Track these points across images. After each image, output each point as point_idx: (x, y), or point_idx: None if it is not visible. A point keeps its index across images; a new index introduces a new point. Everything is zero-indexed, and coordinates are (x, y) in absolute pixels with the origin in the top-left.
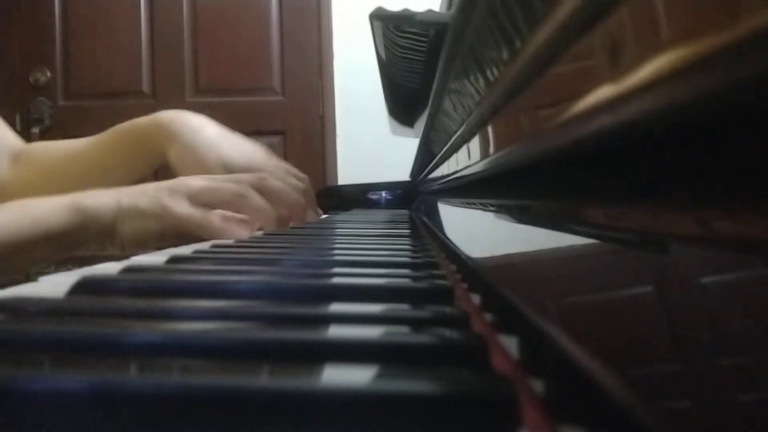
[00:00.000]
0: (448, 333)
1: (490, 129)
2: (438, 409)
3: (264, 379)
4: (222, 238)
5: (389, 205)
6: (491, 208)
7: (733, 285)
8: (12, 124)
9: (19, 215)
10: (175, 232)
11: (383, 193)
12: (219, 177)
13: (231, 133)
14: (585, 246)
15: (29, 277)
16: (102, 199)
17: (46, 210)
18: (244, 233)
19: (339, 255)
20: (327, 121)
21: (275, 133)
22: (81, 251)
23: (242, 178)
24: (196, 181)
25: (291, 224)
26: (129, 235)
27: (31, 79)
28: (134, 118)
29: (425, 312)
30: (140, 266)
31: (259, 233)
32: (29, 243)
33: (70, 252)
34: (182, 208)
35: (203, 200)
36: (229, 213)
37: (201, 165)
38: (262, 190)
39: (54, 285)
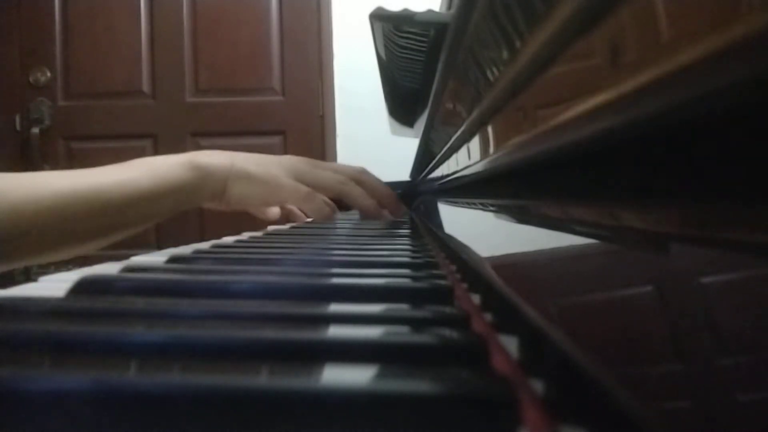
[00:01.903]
0: (448, 333)
1: (490, 129)
2: (438, 409)
3: (264, 379)
4: (320, 218)
5: None
6: (491, 208)
7: (733, 285)
8: (12, 124)
9: (144, 170)
10: (278, 201)
11: None
12: (322, 164)
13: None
14: (585, 246)
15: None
16: (216, 159)
17: (167, 166)
18: (332, 218)
19: (339, 255)
20: (327, 121)
21: (275, 133)
22: (194, 206)
23: (342, 169)
24: (301, 162)
25: (386, 215)
26: (237, 196)
27: (31, 79)
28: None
29: (425, 312)
30: (140, 266)
31: (259, 234)
32: (155, 195)
33: (186, 206)
34: (288, 181)
35: (305, 180)
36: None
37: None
38: (359, 182)
39: (54, 285)
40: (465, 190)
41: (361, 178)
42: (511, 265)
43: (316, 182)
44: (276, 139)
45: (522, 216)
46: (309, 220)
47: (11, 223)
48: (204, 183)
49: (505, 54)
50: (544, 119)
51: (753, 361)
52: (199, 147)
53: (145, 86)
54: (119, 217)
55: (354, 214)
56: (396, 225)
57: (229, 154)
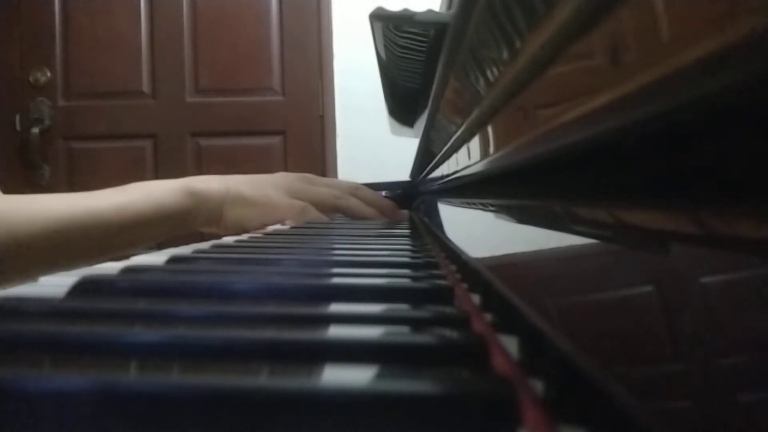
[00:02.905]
0: (448, 333)
1: (490, 129)
2: (438, 409)
3: (264, 379)
4: None
5: None
6: (491, 208)
7: (733, 285)
8: (12, 124)
9: (141, 195)
10: (275, 221)
11: (383, 193)
12: (318, 179)
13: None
14: (585, 246)
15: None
16: (212, 184)
17: (162, 191)
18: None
19: (339, 255)
20: (327, 121)
21: (275, 133)
22: (189, 231)
23: (338, 184)
24: (296, 180)
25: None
26: (234, 219)
27: (31, 79)
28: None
29: (425, 312)
30: (140, 266)
31: (259, 234)
32: (150, 220)
33: (180, 231)
34: (284, 199)
35: (301, 197)
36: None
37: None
38: (356, 196)
39: (54, 285)
40: (465, 190)
41: (356, 193)
42: (511, 265)
43: (313, 198)
44: (276, 139)
45: (522, 216)
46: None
47: (6, 244)
48: (199, 209)
49: (504, 54)
50: (543, 119)
51: (753, 361)
52: (199, 147)
53: (145, 86)
54: (113, 240)
55: None
56: (396, 225)
57: (223, 179)
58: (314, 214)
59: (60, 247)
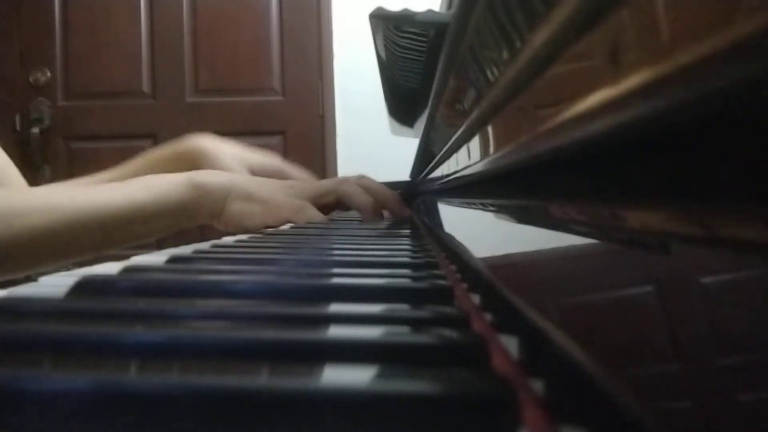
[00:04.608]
0: (448, 333)
1: (490, 129)
2: (438, 409)
3: (264, 379)
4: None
5: None
6: (491, 208)
7: (733, 285)
8: (12, 124)
9: (143, 189)
10: (277, 221)
11: None
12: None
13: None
14: (585, 246)
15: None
16: (216, 178)
17: (165, 185)
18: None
19: (339, 255)
20: (327, 121)
21: (275, 133)
22: (192, 225)
23: (340, 178)
24: (303, 184)
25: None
26: (235, 215)
27: (31, 79)
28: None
29: (425, 312)
30: (140, 266)
31: (260, 234)
32: (152, 215)
33: (184, 224)
34: (287, 198)
35: (302, 195)
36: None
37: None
38: (359, 184)
39: (54, 285)
40: (465, 190)
41: (360, 181)
42: (511, 265)
43: (314, 191)
44: (276, 139)
45: (522, 216)
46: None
47: (6, 236)
48: (203, 202)
49: (504, 54)
50: (544, 119)
51: (753, 361)
52: None
53: (145, 86)
54: (116, 234)
55: (354, 215)
56: (396, 225)
57: (230, 175)
58: (312, 213)
59: (61, 240)
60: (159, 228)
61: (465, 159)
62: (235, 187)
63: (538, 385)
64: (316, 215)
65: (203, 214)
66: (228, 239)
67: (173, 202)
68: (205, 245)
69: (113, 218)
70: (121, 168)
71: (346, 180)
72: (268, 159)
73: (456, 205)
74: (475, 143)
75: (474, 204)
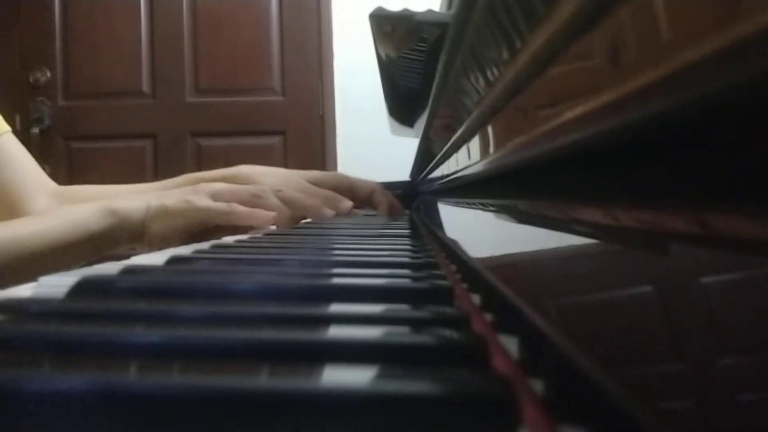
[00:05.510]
0: (448, 333)
1: (490, 129)
2: (438, 409)
3: (264, 379)
4: (245, 224)
5: None
6: (491, 208)
7: (733, 285)
8: (12, 124)
9: (62, 219)
10: (201, 226)
11: None
12: (270, 173)
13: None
14: (585, 246)
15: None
16: (132, 203)
17: (84, 214)
18: (264, 219)
19: (339, 255)
20: (327, 121)
21: (275, 133)
22: (113, 251)
23: (262, 186)
24: (217, 183)
25: (329, 213)
26: (158, 234)
27: (31, 79)
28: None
29: (425, 312)
30: (140, 267)
31: (260, 234)
32: (72, 244)
33: (104, 252)
34: (206, 202)
35: (223, 198)
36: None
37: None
38: (279, 197)
39: (54, 285)
40: (465, 190)
41: (279, 194)
42: (511, 265)
43: (233, 198)
44: (276, 139)
45: (522, 216)
46: (307, 220)
47: None
48: (120, 227)
49: (504, 54)
50: (543, 119)
51: (753, 361)
52: (199, 147)
53: (145, 86)
54: (36, 266)
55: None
56: (396, 225)
57: (145, 196)
58: (239, 213)
59: None
60: (79, 255)
61: (465, 159)
62: (151, 207)
63: (538, 385)
64: (243, 213)
65: (123, 239)
66: (228, 239)
67: (91, 229)
68: (205, 245)
69: (31, 251)
70: (164, 181)
71: (262, 193)
72: (329, 176)
73: (456, 205)
74: (475, 143)
75: (474, 204)
